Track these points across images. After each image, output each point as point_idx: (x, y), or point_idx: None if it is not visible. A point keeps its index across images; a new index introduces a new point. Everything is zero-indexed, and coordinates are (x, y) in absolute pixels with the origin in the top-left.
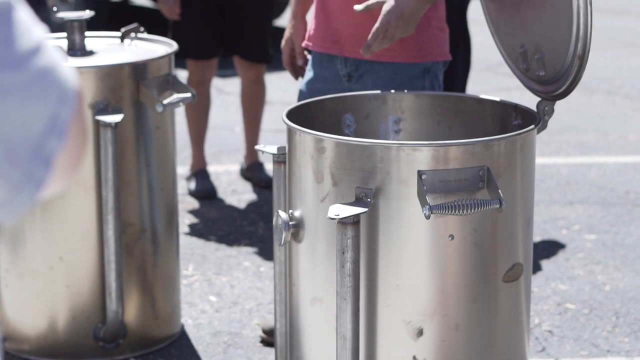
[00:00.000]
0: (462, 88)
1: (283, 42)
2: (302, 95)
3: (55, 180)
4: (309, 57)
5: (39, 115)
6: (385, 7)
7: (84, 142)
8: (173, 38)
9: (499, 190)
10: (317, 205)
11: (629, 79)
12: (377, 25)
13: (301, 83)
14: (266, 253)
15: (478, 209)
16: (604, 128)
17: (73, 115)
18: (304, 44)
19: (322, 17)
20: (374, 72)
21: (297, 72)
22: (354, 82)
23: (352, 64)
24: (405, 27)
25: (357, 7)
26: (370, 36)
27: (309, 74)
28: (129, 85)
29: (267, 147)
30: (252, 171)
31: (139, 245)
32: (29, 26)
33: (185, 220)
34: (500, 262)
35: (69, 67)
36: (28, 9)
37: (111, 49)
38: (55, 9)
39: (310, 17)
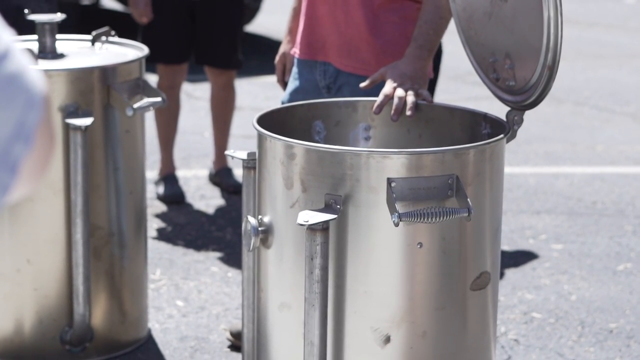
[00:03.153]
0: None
1: (277, 58)
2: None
3: (22, 184)
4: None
5: (6, 121)
6: (388, 75)
7: (51, 147)
8: (143, 42)
9: (468, 199)
10: (287, 211)
11: (597, 89)
12: (383, 90)
13: (284, 94)
14: (234, 258)
15: (447, 217)
16: (571, 138)
17: (40, 121)
18: (291, 51)
19: (308, 24)
20: (350, 86)
21: None
22: (333, 93)
23: (331, 75)
24: (414, 83)
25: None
26: (378, 101)
27: (291, 85)
28: (100, 89)
29: (237, 153)
30: (221, 176)
31: (107, 249)
32: None
33: (153, 225)
34: (468, 271)
35: (37, 72)
36: None
37: (82, 52)
38: (26, 11)
39: (299, 25)
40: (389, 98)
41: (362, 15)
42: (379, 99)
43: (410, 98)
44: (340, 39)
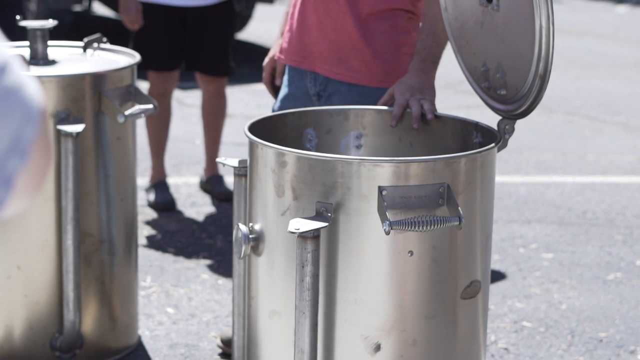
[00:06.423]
0: None
1: (266, 60)
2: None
3: (17, 199)
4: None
5: (1, 136)
6: (396, 90)
7: (48, 161)
8: (135, 49)
9: (459, 208)
10: (278, 219)
11: (588, 99)
12: (396, 102)
13: (275, 101)
14: (224, 266)
15: (437, 225)
16: (562, 148)
17: (37, 135)
18: (275, 56)
19: (297, 31)
20: (340, 94)
21: (277, 92)
22: (323, 101)
23: (321, 83)
24: (422, 94)
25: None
26: (394, 114)
27: (282, 92)
28: (91, 96)
29: (229, 160)
30: (212, 184)
31: (98, 255)
32: None
33: (144, 232)
34: (459, 279)
35: (35, 86)
36: None
37: (73, 58)
38: (18, 17)
39: (285, 30)
40: (404, 107)
41: (352, 24)
42: (394, 112)
43: (418, 109)
44: (329, 47)
